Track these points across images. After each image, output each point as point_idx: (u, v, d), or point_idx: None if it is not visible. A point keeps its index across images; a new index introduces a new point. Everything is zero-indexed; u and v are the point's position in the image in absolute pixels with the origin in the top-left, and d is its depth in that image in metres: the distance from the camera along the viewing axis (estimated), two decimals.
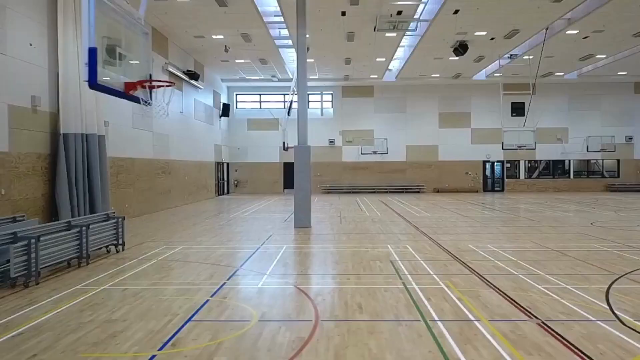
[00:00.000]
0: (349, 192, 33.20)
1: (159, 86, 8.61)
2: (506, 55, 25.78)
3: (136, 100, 7.84)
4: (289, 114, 25.78)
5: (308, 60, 26.51)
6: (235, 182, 33.95)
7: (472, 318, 5.72)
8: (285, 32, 21.86)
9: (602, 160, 33.74)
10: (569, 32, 21.26)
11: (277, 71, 28.90)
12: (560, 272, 8.12)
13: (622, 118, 33.42)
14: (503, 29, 20.90)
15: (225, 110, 31.46)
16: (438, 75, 30.97)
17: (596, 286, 7.15)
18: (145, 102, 7.88)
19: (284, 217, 17.53)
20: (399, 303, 6.38)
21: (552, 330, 5.27)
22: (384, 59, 26.32)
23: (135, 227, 14.74)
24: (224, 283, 7.56)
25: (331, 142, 33.89)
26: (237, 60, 26.24)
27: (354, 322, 5.62)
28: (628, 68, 29.24)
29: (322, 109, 34.20)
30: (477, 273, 8.13)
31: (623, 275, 7.88)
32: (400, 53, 26.99)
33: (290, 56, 26.72)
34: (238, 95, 34.48)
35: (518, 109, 31.46)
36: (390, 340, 5.01)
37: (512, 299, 6.53)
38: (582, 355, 4.59)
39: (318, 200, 26.61)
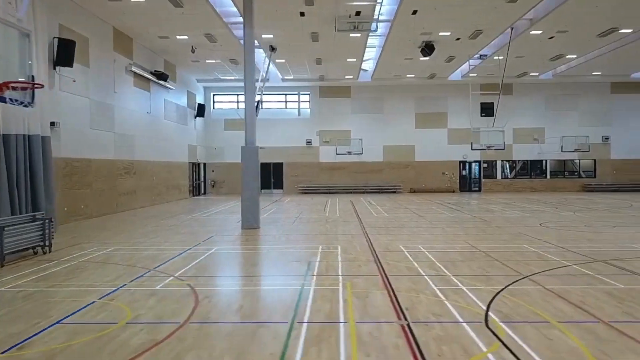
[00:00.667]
0: (326, 193, 33.19)
1: (23, 88, 8.44)
2: (476, 56, 25.77)
3: (3, 100, 7.73)
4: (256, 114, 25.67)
5: (278, 60, 26.62)
6: (212, 182, 33.93)
7: (342, 320, 5.71)
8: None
9: (579, 160, 33.77)
10: (533, 32, 21.27)
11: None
12: (468, 274, 8.11)
13: (598, 118, 33.45)
14: (467, 30, 20.90)
15: (201, 110, 31.45)
16: (413, 75, 30.97)
17: (492, 287, 7.14)
18: (20, 102, 7.80)
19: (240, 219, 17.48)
20: (282, 304, 6.36)
21: (411, 331, 5.26)
22: (354, 60, 26.31)
23: (83, 228, 14.72)
24: (125, 284, 7.54)
25: (308, 142, 33.89)
26: (207, 61, 26.21)
27: (221, 324, 5.61)
28: (602, 68, 29.28)
29: (299, 109, 34.21)
30: (385, 274, 8.12)
31: (528, 276, 7.87)
32: (373, 54, 27.02)
33: (262, 56, 26.66)
34: (215, 96, 34.47)
35: (488, 109, 31.42)
36: (241, 342, 5.00)
37: (397, 300, 6.52)
38: (419, 356, 4.58)
39: (289, 201, 26.62)
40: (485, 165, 33.99)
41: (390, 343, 4.93)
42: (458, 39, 22.17)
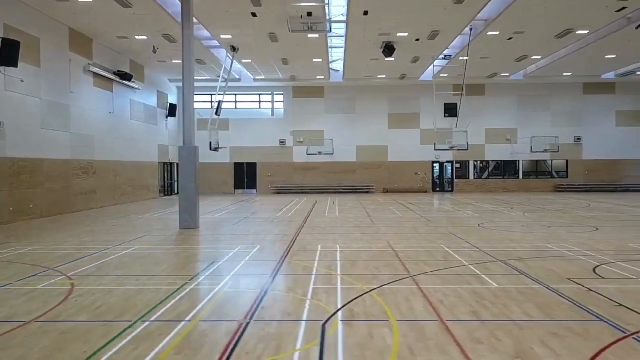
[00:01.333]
0: (299, 193, 33.26)
1: None
2: (441, 57, 25.85)
3: None
4: (217, 114, 25.83)
5: (244, 60, 26.68)
6: None
7: (187, 319, 5.77)
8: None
9: (551, 160, 33.87)
10: (490, 33, 21.36)
11: (220, 71, 28.89)
12: (357, 273, 8.18)
13: (570, 118, 33.56)
14: (423, 30, 20.98)
15: (172, 110, 31.49)
16: (384, 76, 31.05)
17: (368, 286, 7.20)
18: None
19: None
20: (143, 303, 6.41)
21: (244, 330, 5.33)
22: (320, 60, 26.37)
23: (25, 228, 14.78)
24: (9, 283, 7.59)
25: (282, 142, 33.94)
26: (174, 61, 26.25)
27: (61, 323, 5.66)
28: (572, 69, 29.38)
29: (272, 109, 34.28)
30: (275, 274, 8.18)
31: (413, 275, 7.94)
32: (341, 54, 27.06)
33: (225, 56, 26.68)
34: (219, 95, 34.46)
35: (452, 110, 31.47)
36: (63, 342, 5.05)
37: (261, 299, 6.58)
38: (227, 353, 4.64)
39: (255, 201, 26.68)
40: (457, 165, 34.07)
41: (213, 340, 4.99)
42: (417, 39, 22.24)
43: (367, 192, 33.37)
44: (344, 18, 19.68)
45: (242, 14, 18.46)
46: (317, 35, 21.36)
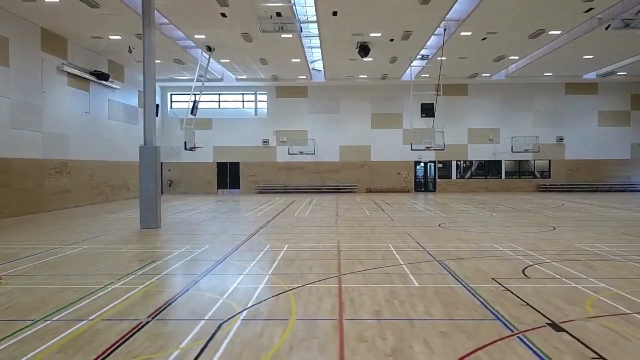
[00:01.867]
0: (283, 192, 33.30)
1: None
2: (418, 57, 25.91)
3: None
4: (192, 114, 25.86)
5: (223, 60, 26.74)
6: (169, 182, 34.02)
7: (91, 318, 5.82)
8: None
9: (534, 160, 33.92)
10: (463, 33, 21.41)
11: (201, 71, 28.91)
12: (287, 272, 8.24)
13: (553, 119, 33.60)
14: (396, 31, 21.03)
15: (155, 110, 31.41)
16: (366, 76, 31.11)
17: (288, 286, 7.26)
18: None
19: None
20: (41, 303, 6.47)
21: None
22: (299, 60, 26.41)
23: None
24: None
25: (265, 142, 33.99)
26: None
27: None
28: (552, 69, 29.45)
29: (256, 109, 34.33)
30: (196, 274, 8.25)
31: (341, 274, 7.99)
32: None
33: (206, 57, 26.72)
34: (173, 96, 34.56)
35: (429, 110, 31.48)
36: None
37: (149, 298, 6.64)
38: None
39: (236, 201, 26.74)
40: (440, 165, 34.13)
41: (102, 339, 5.05)
42: (392, 40, 22.29)
43: (350, 192, 33.42)
44: (314, 19, 19.71)
45: (212, 14, 18.51)
46: (290, 36, 21.39)
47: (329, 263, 9.00)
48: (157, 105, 31.60)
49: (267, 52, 24.48)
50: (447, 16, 19.36)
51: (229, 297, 6.71)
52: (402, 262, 9.05)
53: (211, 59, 26.11)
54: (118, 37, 21.62)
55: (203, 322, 5.63)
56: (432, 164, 34.07)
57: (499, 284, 7.34)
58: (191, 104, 25.59)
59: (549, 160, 33.79)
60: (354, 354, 4.63)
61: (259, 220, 16.66)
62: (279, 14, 18.50)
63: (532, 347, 4.79)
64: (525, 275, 7.99)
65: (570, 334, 5.12)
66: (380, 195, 30.31)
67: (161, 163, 33.04)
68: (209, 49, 23.32)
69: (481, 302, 6.38)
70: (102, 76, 24.24)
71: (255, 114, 34.23)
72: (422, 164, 33.99)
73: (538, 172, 34.08)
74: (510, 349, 4.76)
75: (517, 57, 26.47)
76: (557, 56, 25.34)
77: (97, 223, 15.97)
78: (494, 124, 33.69)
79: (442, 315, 5.83)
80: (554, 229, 13.96)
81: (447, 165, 34.12)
